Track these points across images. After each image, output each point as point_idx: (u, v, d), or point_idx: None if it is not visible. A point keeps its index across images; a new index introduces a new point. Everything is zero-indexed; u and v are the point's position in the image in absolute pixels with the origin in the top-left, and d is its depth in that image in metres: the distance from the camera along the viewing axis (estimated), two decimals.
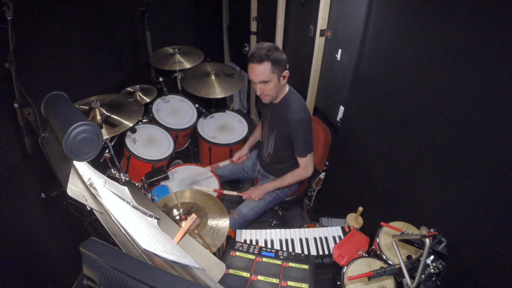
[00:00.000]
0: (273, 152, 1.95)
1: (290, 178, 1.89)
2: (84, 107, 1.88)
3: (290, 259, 1.42)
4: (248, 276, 1.31)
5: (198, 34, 3.45)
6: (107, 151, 1.97)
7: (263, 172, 2.12)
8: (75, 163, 0.98)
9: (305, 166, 1.82)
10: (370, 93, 1.70)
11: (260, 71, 1.59)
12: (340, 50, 2.07)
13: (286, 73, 1.66)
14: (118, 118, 1.87)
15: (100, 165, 1.96)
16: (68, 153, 0.83)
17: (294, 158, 1.85)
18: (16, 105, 1.36)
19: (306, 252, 1.60)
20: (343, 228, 1.72)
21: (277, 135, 1.87)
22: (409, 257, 1.25)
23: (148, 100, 2.40)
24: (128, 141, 2.17)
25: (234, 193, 2.00)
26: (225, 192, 1.98)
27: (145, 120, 2.37)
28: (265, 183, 1.97)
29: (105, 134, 1.78)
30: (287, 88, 1.78)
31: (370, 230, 1.61)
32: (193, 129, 2.55)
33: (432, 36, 1.26)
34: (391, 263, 1.30)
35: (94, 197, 0.95)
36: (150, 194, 1.71)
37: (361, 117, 1.83)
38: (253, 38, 3.09)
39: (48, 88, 1.06)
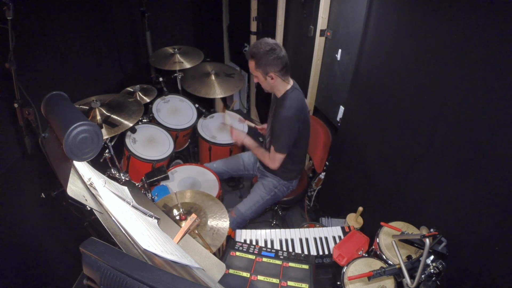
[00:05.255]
0: (268, 146, 1.98)
1: (261, 154, 1.95)
2: (84, 107, 1.88)
3: (290, 259, 1.42)
4: (248, 276, 1.31)
5: (198, 34, 3.45)
6: (107, 151, 1.97)
7: (262, 169, 2.12)
8: (75, 163, 0.98)
9: (273, 158, 1.86)
10: (370, 93, 1.70)
11: (250, 66, 1.76)
12: (340, 50, 2.07)
13: (272, 75, 1.70)
14: (118, 118, 1.87)
15: (100, 165, 1.96)
16: (68, 153, 0.83)
17: (287, 156, 1.86)
18: (16, 105, 1.36)
19: (306, 252, 1.60)
20: (343, 228, 1.72)
21: (272, 128, 1.89)
22: (409, 257, 1.25)
23: (148, 100, 2.40)
24: (128, 141, 2.17)
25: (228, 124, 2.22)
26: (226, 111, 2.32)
27: (145, 120, 2.37)
28: (248, 137, 2.00)
29: (105, 134, 1.78)
30: (288, 85, 1.79)
31: (370, 230, 1.61)
32: (193, 129, 2.55)
33: (432, 36, 1.26)
34: (391, 263, 1.30)
35: (94, 197, 0.95)
36: (150, 194, 1.71)
37: (361, 117, 1.83)
38: (253, 38, 3.09)
39: (48, 88, 1.06)
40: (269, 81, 1.74)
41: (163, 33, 2.95)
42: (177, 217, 1.45)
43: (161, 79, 2.58)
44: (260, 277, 1.30)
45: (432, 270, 1.12)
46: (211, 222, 1.50)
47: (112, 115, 1.87)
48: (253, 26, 3.02)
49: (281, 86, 1.78)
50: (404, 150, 1.49)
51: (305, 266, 1.37)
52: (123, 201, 1.08)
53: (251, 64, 1.73)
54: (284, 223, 2.43)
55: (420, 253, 1.17)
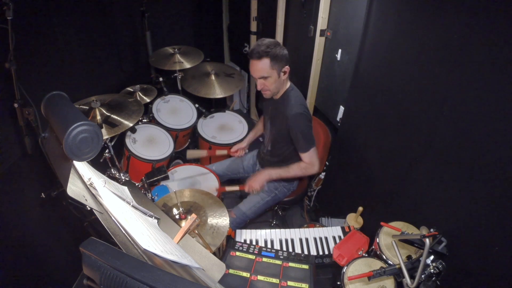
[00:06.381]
0: (271, 147, 1.96)
1: (297, 169, 1.80)
2: (84, 107, 1.88)
3: (290, 259, 1.42)
4: (248, 276, 1.31)
5: (198, 34, 3.45)
6: (107, 151, 1.97)
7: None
8: (75, 163, 0.98)
9: (310, 160, 1.77)
10: (370, 93, 1.70)
11: (260, 67, 1.61)
12: (340, 50, 2.07)
13: (286, 68, 1.67)
14: (118, 118, 1.87)
15: (100, 165, 1.96)
16: (68, 153, 0.83)
17: (294, 155, 1.85)
18: (16, 105, 1.36)
19: (306, 252, 1.60)
20: (343, 228, 1.72)
21: (275, 129, 1.87)
22: (409, 257, 1.25)
23: (148, 100, 2.40)
24: (128, 141, 2.17)
25: (236, 187, 1.95)
26: (227, 189, 1.95)
27: (145, 120, 2.37)
28: (267, 169, 1.86)
29: (105, 134, 1.78)
30: (288, 84, 1.79)
31: (370, 230, 1.61)
32: (193, 129, 2.55)
33: (432, 36, 1.26)
34: (391, 263, 1.30)
35: (94, 197, 0.95)
36: (150, 194, 1.71)
37: (361, 117, 1.83)
38: (253, 38, 3.09)
39: (48, 88, 1.06)
40: (282, 77, 1.68)
41: (163, 33, 2.96)
42: (177, 216, 1.45)
43: (161, 79, 2.58)
44: (260, 277, 1.30)
45: (432, 270, 1.12)
46: (211, 221, 1.50)
47: (112, 115, 1.87)
48: (253, 26, 3.02)
49: (286, 83, 1.77)
50: (404, 150, 1.49)
51: (305, 266, 1.37)
52: (123, 201, 1.08)
53: (265, 63, 1.59)
54: (284, 223, 2.43)
55: (420, 253, 1.16)
